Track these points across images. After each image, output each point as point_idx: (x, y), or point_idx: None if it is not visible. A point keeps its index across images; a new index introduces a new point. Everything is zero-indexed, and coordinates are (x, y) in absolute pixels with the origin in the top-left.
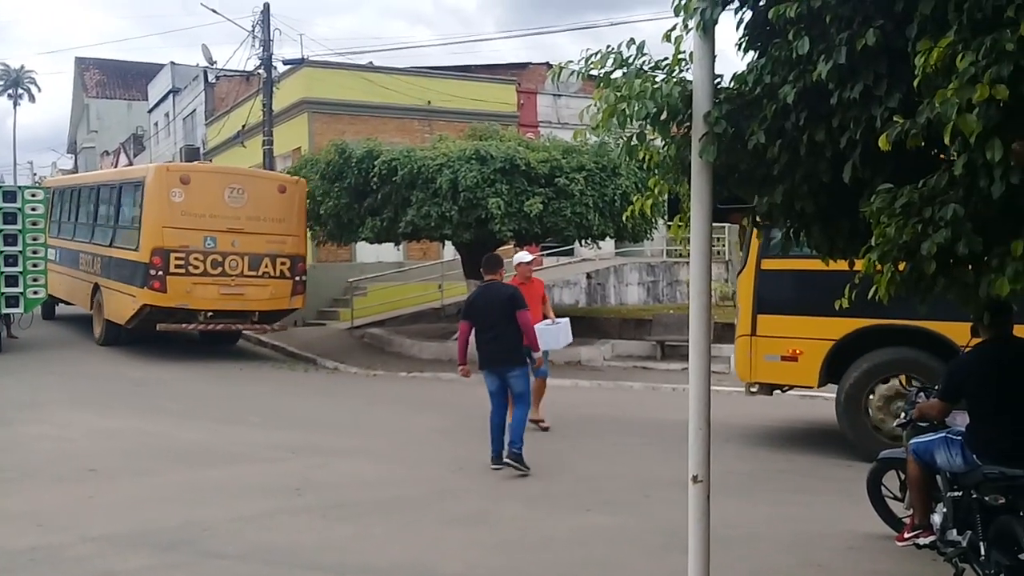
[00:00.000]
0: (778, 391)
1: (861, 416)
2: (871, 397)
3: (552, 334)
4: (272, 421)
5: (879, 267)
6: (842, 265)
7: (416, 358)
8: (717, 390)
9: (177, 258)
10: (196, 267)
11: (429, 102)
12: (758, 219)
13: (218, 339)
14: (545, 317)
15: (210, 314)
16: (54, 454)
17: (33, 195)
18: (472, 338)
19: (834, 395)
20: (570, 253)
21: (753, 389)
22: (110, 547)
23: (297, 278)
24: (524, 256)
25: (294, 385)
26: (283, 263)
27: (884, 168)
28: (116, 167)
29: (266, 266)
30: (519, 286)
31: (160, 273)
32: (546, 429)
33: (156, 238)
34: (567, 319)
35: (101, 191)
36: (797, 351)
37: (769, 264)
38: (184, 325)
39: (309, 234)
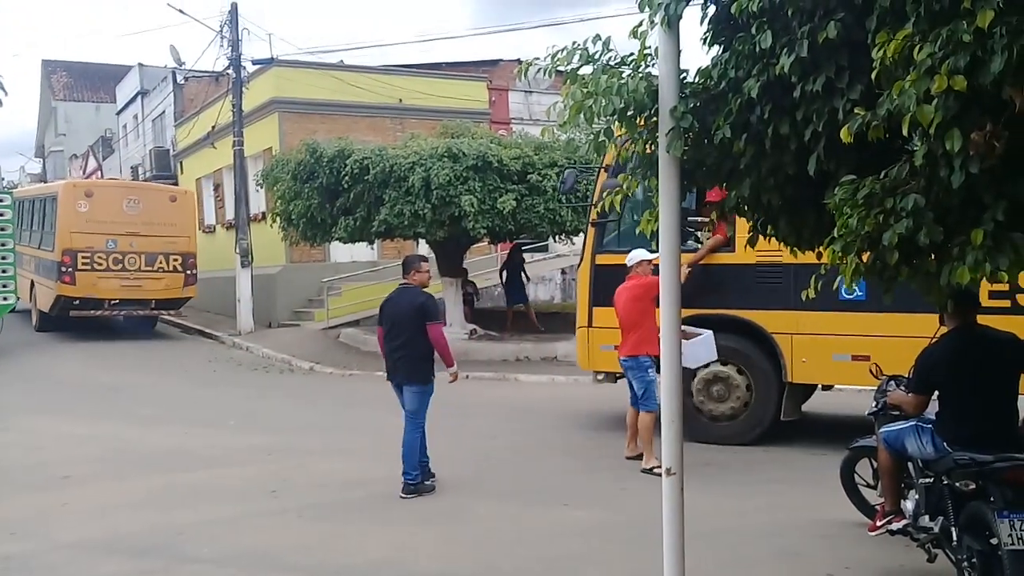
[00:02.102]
0: (623, 378)
1: (685, 398)
2: (693, 380)
3: (695, 349)
4: (247, 423)
5: (843, 258)
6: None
7: None
8: None
9: (83, 257)
10: (100, 264)
11: (400, 100)
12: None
13: (139, 324)
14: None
15: (114, 302)
16: (25, 462)
17: (0, 200)
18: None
19: None
20: (544, 249)
21: (599, 377)
22: (83, 554)
23: (188, 272)
24: (643, 253)
25: (269, 386)
26: (175, 259)
27: (848, 160)
28: (84, 171)
29: (160, 262)
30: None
31: (70, 269)
32: (655, 472)
33: (66, 241)
34: (711, 332)
35: (35, 203)
36: None
37: (602, 259)
38: (93, 312)
39: (282, 235)
